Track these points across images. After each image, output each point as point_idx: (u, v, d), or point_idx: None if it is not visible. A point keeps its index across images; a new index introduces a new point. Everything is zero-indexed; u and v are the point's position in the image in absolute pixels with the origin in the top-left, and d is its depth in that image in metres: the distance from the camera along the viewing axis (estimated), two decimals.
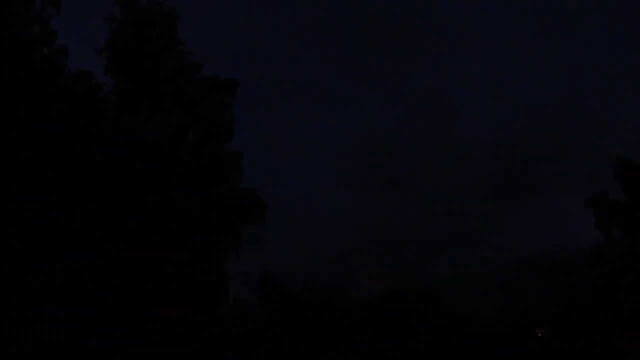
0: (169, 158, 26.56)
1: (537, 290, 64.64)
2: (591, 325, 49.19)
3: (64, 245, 21.28)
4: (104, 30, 25.53)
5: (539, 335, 52.50)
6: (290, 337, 52.83)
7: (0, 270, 19.18)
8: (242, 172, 29.06)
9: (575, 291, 56.31)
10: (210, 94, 28.57)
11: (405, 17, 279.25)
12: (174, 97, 27.08)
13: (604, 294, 48.16)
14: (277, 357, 50.77)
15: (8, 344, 19.34)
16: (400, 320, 53.80)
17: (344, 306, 57.16)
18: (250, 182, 29.65)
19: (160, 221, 24.73)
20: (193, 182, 27.67)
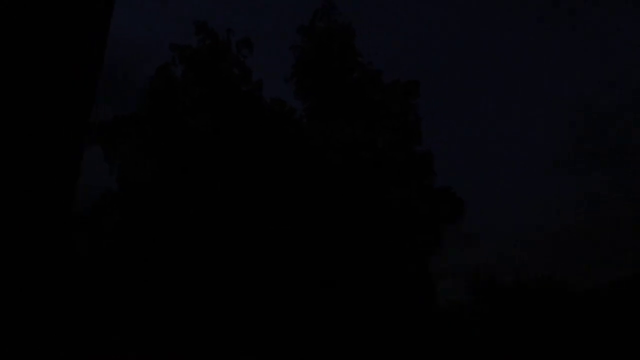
0: (364, 164, 27.75)
1: None
2: None
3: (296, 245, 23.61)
4: (290, 59, 27.89)
5: None
6: (506, 336, 50.39)
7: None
8: (434, 172, 29.06)
9: None
10: (394, 99, 29.22)
11: None
12: (360, 108, 28.32)
13: None
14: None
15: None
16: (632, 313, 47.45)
17: (567, 300, 52.55)
18: (445, 181, 29.46)
19: (368, 223, 25.93)
20: (388, 185, 28.47)
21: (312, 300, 23.72)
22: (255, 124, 24.76)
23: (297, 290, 23.88)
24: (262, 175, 24.02)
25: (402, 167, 28.93)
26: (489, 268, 55.10)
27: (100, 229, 22.52)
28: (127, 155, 23.07)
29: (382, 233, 26.84)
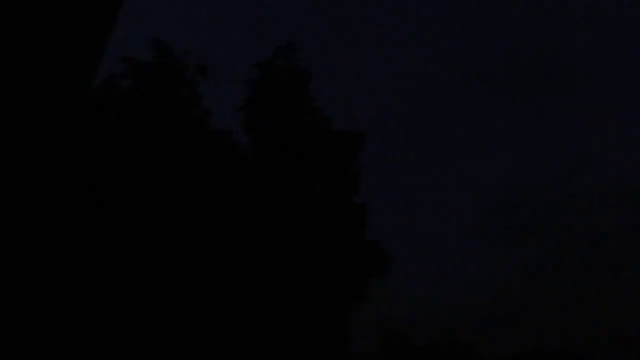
0: (299, 210, 27.61)
1: None
2: None
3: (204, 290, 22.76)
4: (243, 92, 27.72)
5: None
6: None
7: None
8: (366, 225, 29.33)
9: None
10: (339, 148, 29.52)
11: (549, 68, 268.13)
12: (305, 151, 28.38)
13: None
14: None
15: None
16: None
17: None
18: (381, 234, 29.75)
19: (292, 270, 25.54)
20: (320, 233, 28.41)
21: (225, 341, 22.91)
22: (199, 150, 24.22)
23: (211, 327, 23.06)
24: (194, 203, 23.39)
25: (337, 217, 29.03)
26: (405, 326, 55.95)
27: None
28: None
29: (305, 282, 26.56)
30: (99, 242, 21.16)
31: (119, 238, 21.36)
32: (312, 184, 28.25)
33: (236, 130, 27.05)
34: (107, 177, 21.63)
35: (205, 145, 23.31)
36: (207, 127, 24.09)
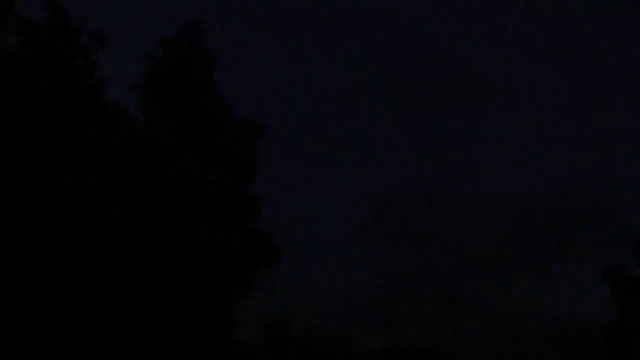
0: (190, 196, 26.90)
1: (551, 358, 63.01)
2: None
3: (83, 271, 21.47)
4: (143, 68, 26.41)
5: None
6: None
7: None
8: (260, 216, 29.25)
9: None
10: (237, 136, 29.12)
11: (438, 72, 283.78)
12: (202, 137, 27.66)
13: None
14: None
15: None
16: None
17: (348, 359, 55.95)
18: (269, 226, 29.75)
19: (177, 259, 24.83)
20: (210, 221, 27.91)
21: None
22: (87, 121, 22.71)
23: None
24: (74, 177, 21.87)
25: (230, 205, 28.66)
26: (289, 318, 56.74)
27: None
28: None
29: (190, 271, 25.93)
30: None
31: None
32: (207, 169, 27.66)
33: (132, 108, 25.61)
34: None
35: (93, 116, 21.88)
36: (99, 99, 22.66)
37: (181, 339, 25.13)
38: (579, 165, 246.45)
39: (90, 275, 22.16)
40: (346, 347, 57.64)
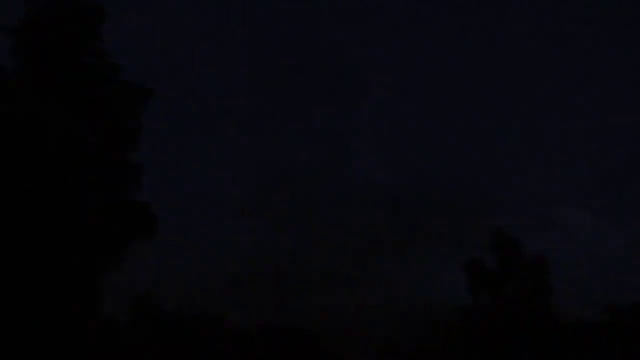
0: (64, 157, 24.94)
1: (410, 342, 67.43)
2: None
3: None
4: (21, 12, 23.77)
5: None
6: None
7: None
8: (139, 185, 27.90)
9: (446, 347, 59.64)
10: (120, 99, 27.39)
11: (326, 61, 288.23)
12: (81, 95, 25.63)
13: (472, 355, 51.64)
14: None
15: None
16: (276, 357, 53.39)
17: (220, 336, 55.70)
18: (148, 197, 28.51)
19: (38, 224, 22.93)
20: (85, 187, 26.14)
21: None
22: None
23: None
24: None
25: (108, 172, 27.01)
26: (161, 291, 54.97)
27: None
28: None
29: (54, 237, 24.14)
30: None
31: None
32: (87, 132, 25.72)
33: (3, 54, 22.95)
34: None
35: None
36: None
37: (39, 309, 23.41)
38: (448, 157, 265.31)
39: None
40: (218, 324, 57.30)
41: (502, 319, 50.84)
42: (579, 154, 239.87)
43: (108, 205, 26.30)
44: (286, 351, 53.32)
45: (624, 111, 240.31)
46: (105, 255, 26.87)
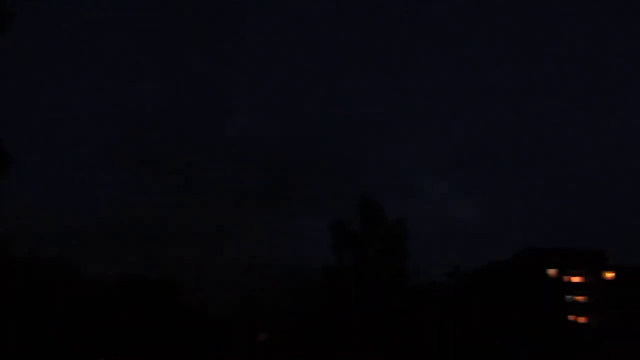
0: None
1: (273, 297, 68.98)
2: (317, 336, 54.30)
3: None
4: None
5: (261, 339, 55.85)
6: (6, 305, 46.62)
7: None
8: None
9: (308, 302, 61.67)
10: None
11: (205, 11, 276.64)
12: None
13: (334, 310, 53.91)
14: None
15: None
16: (135, 307, 51.85)
17: (76, 284, 52.81)
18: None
19: None
20: None
21: None
22: None
23: None
24: None
25: None
26: (12, 235, 50.44)
27: None
28: None
29: None
30: None
31: None
32: None
33: None
34: None
35: None
36: None
37: None
38: (322, 121, 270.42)
39: None
40: (74, 272, 54.23)
41: (363, 279, 53.53)
42: (442, 130, 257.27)
43: None
44: (143, 302, 52.00)
45: (481, 96, 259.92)
46: None
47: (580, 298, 64.00)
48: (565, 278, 64.72)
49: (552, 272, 64.38)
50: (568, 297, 64.00)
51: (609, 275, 65.00)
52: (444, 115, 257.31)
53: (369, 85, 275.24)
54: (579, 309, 63.65)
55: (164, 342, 51.86)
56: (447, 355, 54.75)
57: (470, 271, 59.27)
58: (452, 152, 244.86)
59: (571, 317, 62.98)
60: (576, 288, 64.77)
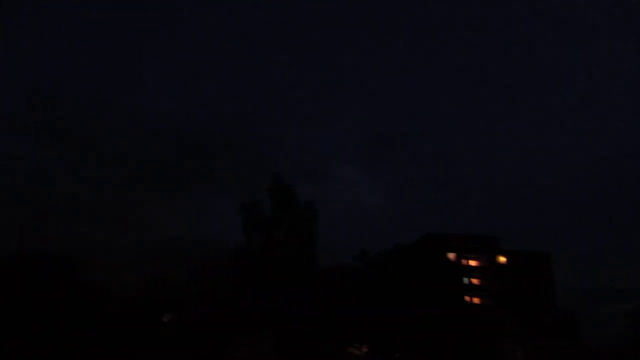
0: None
1: (180, 277, 67.64)
2: (223, 316, 53.88)
3: None
4: None
5: (165, 320, 54.76)
6: None
7: None
8: None
9: (216, 282, 61.10)
10: None
11: None
12: None
13: (243, 290, 53.75)
14: None
15: None
16: (31, 285, 48.86)
17: None
18: None
19: None
20: None
21: None
22: None
23: None
24: None
25: None
26: None
27: None
28: None
29: None
30: None
31: None
32: None
33: None
34: None
35: None
36: None
37: None
38: (238, 101, 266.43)
39: None
40: None
41: (272, 260, 53.85)
42: (356, 118, 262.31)
43: None
44: (39, 279, 49.14)
45: (395, 86, 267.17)
46: None
47: (475, 280, 68.14)
48: (464, 262, 68.63)
49: (451, 256, 68.01)
50: (465, 279, 67.92)
51: (502, 259, 69.63)
52: (359, 104, 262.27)
53: (292, 71, 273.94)
54: (474, 290, 67.80)
55: (59, 321, 49.34)
56: (351, 334, 56.40)
57: (375, 254, 61.29)
58: (364, 139, 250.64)
59: (467, 298, 67.00)
60: (473, 271, 68.90)
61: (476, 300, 67.53)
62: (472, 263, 69.32)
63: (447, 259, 67.83)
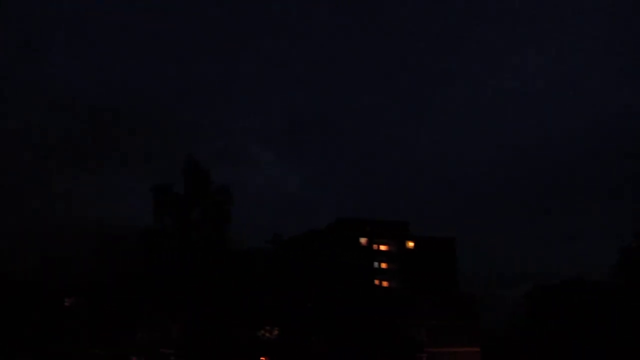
0: None
1: (84, 259, 64.72)
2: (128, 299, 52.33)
3: None
4: None
5: (67, 304, 52.48)
6: None
7: None
8: None
9: (123, 266, 58.95)
10: None
11: None
12: None
13: (152, 272, 52.15)
14: None
15: None
16: None
17: None
18: None
19: None
20: None
21: None
22: None
23: None
24: None
25: None
26: None
27: None
28: None
29: None
30: None
31: None
32: None
33: None
34: None
35: None
36: None
37: None
38: (151, 78, 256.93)
39: None
40: None
41: (183, 244, 52.69)
42: (279, 102, 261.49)
43: None
44: None
45: (314, 68, 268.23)
46: None
47: (384, 265, 70.89)
48: (375, 246, 71.04)
49: (363, 240, 70.18)
50: (375, 263, 70.45)
51: (410, 244, 72.87)
52: (278, 86, 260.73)
53: (211, 48, 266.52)
54: (384, 274, 70.52)
55: None
56: (263, 318, 56.73)
57: (288, 238, 61.79)
58: (281, 121, 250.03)
59: (377, 282, 69.59)
60: (383, 255, 71.56)
61: (385, 283, 70.28)
62: (383, 248, 71.93)
63: (360, 243, 69.90)
